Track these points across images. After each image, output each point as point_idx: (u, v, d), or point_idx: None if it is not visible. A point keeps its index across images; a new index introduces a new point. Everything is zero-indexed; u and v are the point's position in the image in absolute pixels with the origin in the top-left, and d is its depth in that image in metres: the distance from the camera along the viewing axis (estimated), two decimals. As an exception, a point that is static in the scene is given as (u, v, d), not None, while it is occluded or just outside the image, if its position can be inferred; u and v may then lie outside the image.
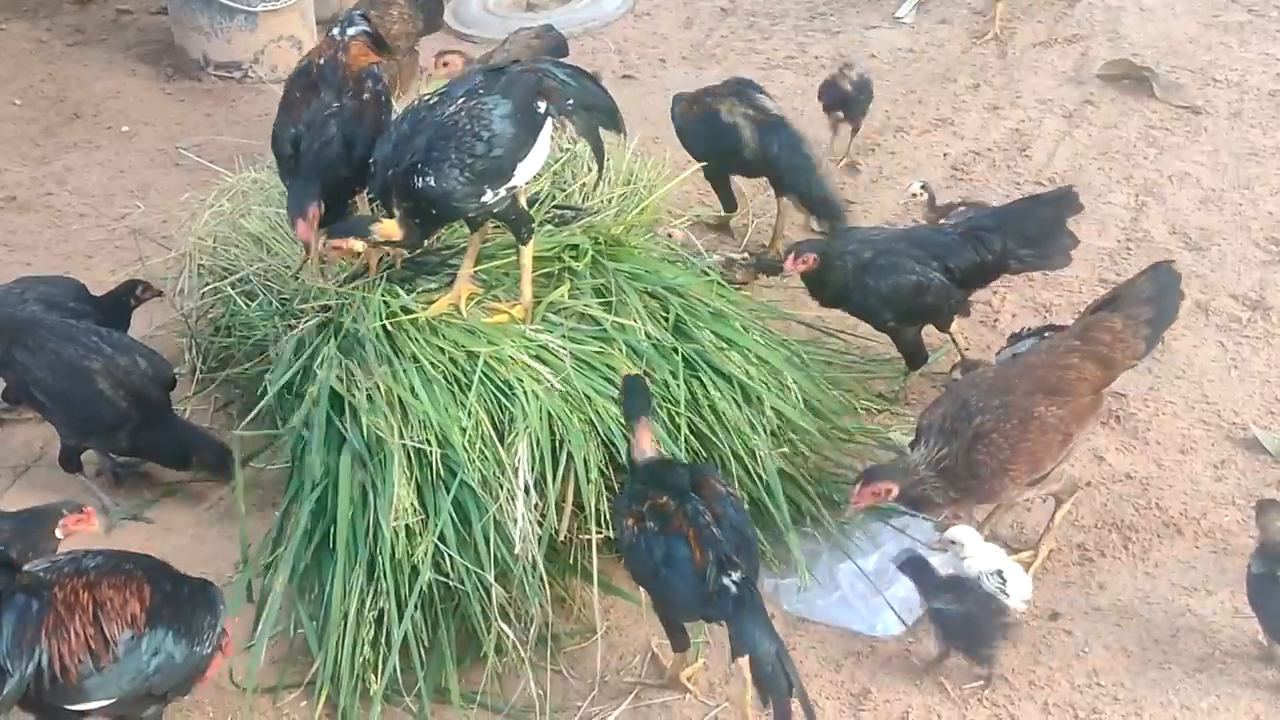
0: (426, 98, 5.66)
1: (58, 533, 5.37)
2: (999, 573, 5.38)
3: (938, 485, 5.44)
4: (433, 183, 5.43)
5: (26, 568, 4.69)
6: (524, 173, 5.63)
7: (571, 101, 5.78)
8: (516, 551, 5.30)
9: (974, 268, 6.43)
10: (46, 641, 4.49)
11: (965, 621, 5.31)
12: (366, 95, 6.00)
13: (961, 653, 5.36)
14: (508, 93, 5.59)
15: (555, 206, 6.32)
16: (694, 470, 5.16)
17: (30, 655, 4.47)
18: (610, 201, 6.43)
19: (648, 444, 5.15)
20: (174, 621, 4.71)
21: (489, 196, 5.55)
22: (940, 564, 5.49)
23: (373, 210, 5.83)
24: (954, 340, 6.67)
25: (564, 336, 5.71)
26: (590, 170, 6.54)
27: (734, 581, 4.76)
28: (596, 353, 5.69)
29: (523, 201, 5.78)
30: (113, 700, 4.64)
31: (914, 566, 5.45)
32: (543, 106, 5.67)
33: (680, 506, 4.92)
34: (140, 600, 4.66)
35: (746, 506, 5.59)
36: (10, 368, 6.14)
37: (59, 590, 4.57)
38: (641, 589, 5.30)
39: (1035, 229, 6.45)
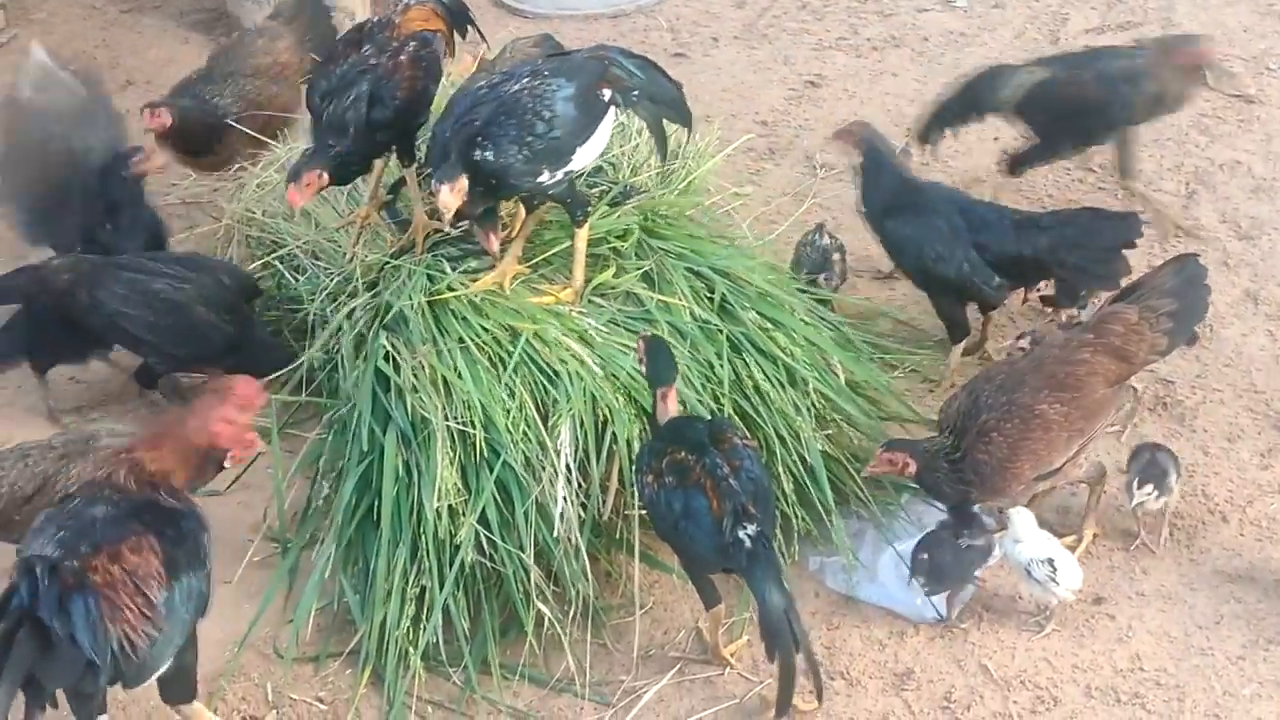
0: (488, 77, 5.67)
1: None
2: (1049, 561, 5.36)
3: (949, 475, 5.48)
4: (491, 156, 5.42)
5: (29, 553, 4.54)
6: (583, 157, 5.63)
7: (637, 92, 5.78)
8: (556, 534, 5.33)
9: (1011, 259, 6.41)
10: (112, 627, 4.43)
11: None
12: (404, 56, 5.92)
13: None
14: (572, 76, 5.59)
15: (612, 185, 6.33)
16: (712, 425, 5.23)
17: (109, 646, 4.41)
18: (659, 179, 6.43)
19: (673, 409, 5.21)
20: (188, 561, 4.63)
21: (545, 177, 5.55)
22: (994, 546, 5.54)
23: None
24: (983, 327, 6.67)
25: (610, 322, 5.72)
26: (639, 148, 6.56)
27: (748, 535, 4.86)
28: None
29: (580, 185, 5.78)
30: (174, 659, 4.65)
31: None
32: (607, 94, 5.66)
33: (698, 460, 5.00)
34: (155, 554, 4.56)
35: (791, 488, 5.64)
36: (98, 311, 6.17)
37: (94, 575, 4.46)
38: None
39: (1090, 241, 6.37)
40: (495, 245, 5.71)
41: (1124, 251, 6.34)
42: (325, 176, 5.81)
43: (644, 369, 5.36)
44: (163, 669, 4.63)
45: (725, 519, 4.89)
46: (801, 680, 4.93)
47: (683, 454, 5.04)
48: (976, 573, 5.50)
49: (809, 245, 6.84)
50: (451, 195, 5.39)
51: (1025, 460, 5.46)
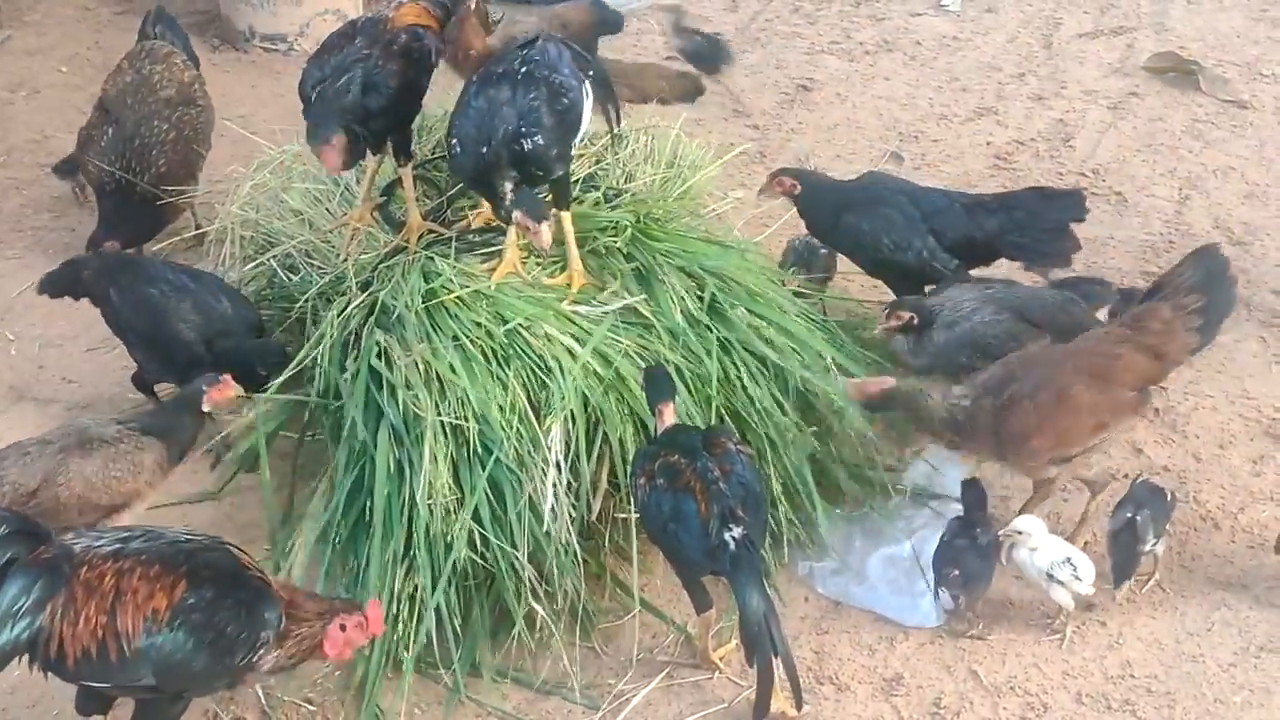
0: (481, 75, 5.68)
1: (205, 408, 5.59)
2: (1068, 560, 5.35)
3: (945, 419, 5.52)
4: (540, 141, 5.46)
5: (68, 539, 4.59)
6: (582, 129, 5.74)
7: (592, 72, 5.88)
8: (547, 529, 5.32)
9: (964, 241, 6.52)
10: (50, 620, 4.39)
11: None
12: (396, 47, 5.94)
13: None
14: (561, 51, 5.68)
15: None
16: (707, 432, 5.25)
17: (23, 626, 4.38)
18: (655, 184, 6.45)
19: (670, 422, 5.25)
20: (202, 628, 4.49)
21: (570, 152, 5.68)
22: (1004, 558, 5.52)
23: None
24: None
25: (601, 319, 5.71)
26: (631, 150, 6.57)
27: (734, 537, 4.87)
28: (638, 338, 5.70)
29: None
30: (107, 686, 4.59)
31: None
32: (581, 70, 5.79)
33: (690, 464, 5.02)
34: (169, 597, 4.48)
35: (779, 490, 5.63)
36: (107, 302, 6.26)
37: (85, 570, 4.46)
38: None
39: (1035, 222, 6.50)
40: (548, 237, 5.54)
41: (1071, 228, 6.47)
42: (344, 135, 5.80)
43: (645, 395, 5.41)
44: (100, 685, 4.59)
45: (712, 521, 4.90)
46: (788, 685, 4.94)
47: (675, 457, 5.06)
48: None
49: (797, 240, 6.93)
50: (548, 230, 5.46)
51: (1048, 435, 5.48)
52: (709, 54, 8.54)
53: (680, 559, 5.15)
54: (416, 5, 6.13)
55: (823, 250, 6.87)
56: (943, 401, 5.53)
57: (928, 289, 6.52)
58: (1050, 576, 5.37)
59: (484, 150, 5.47)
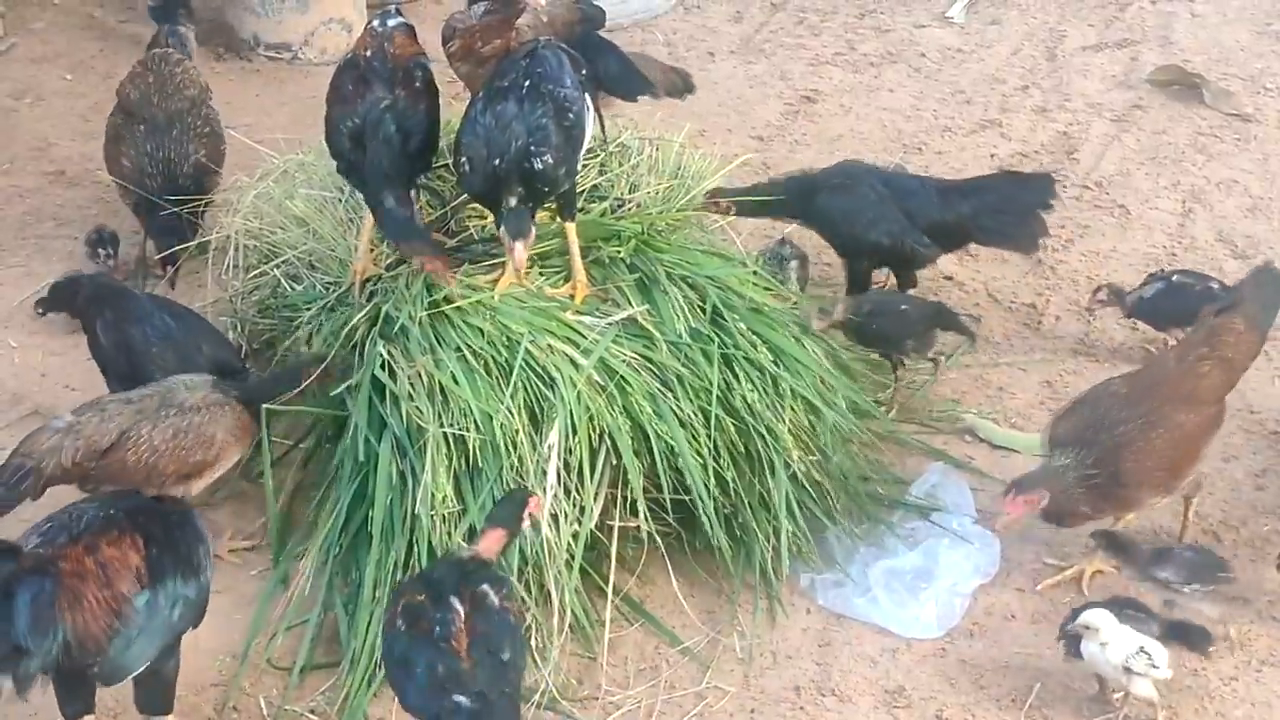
0: (486, 90, 5.68)
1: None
2: (1141, 649, 5.09)
3: (1082, 493, 5.43)
4: (550, 159, 5.49)
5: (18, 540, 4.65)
6: (586, 142, 5.77)
7: (585, 72, 5.91)
8: (544, 535, 5.32)
9: (937, 225, 6.67)
10: (67, 616, 4.44)
11: None
12: (417, 84, 5.95)
13: None
14: (561, 62, 5.69)
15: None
16: (467, 579, 4.67)
17: (52, 634, 4.42)
18: (658, 194, 6.46)
19: (485, 550, 4.83)
20: (176, 566, 4.70)
21: (577, 166, 5.71)
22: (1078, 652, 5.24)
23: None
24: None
25: (605, 330, 5.71)
26: (635, 162, 6.59)
27: (462, 704, 4.41)
28: (643, 348, 5.70)
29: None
30: (150, 662, 4.67)
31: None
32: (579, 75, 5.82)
33: (434, 612, 4.56)
34: (137, 551, 4.62)
35: (781, 503, 5.61)
36: (93, 333, 6.17)
37: (64, 563, 4.51)
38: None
39: (1008, 206, 6.69)
40: (521, 256, 5.55)
41: (1040, 213, 6.66)
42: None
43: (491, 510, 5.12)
44: (138, 670, 4.65)
45: (438, 683, 4.45)
46: (792, 697, 4.91)
47: (422, 599, 4.62)
48: None
49: (769, 253, 6.98)
50: (522, 249, 5.49)
51: (1168, 471, 5.49)
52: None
53: (406, 707, 4.65)
54: (403, 33, 6.09)
55: (793, 262, 6.94)
56: (1070, 472, 5.42)
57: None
58: (1128, 670, 5.10)
59: (494, 169, 5.50)
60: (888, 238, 6.66)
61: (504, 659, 4.53)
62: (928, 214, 6.68)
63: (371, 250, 6.13)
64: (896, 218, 6.67)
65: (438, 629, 4.49)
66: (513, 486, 5.29)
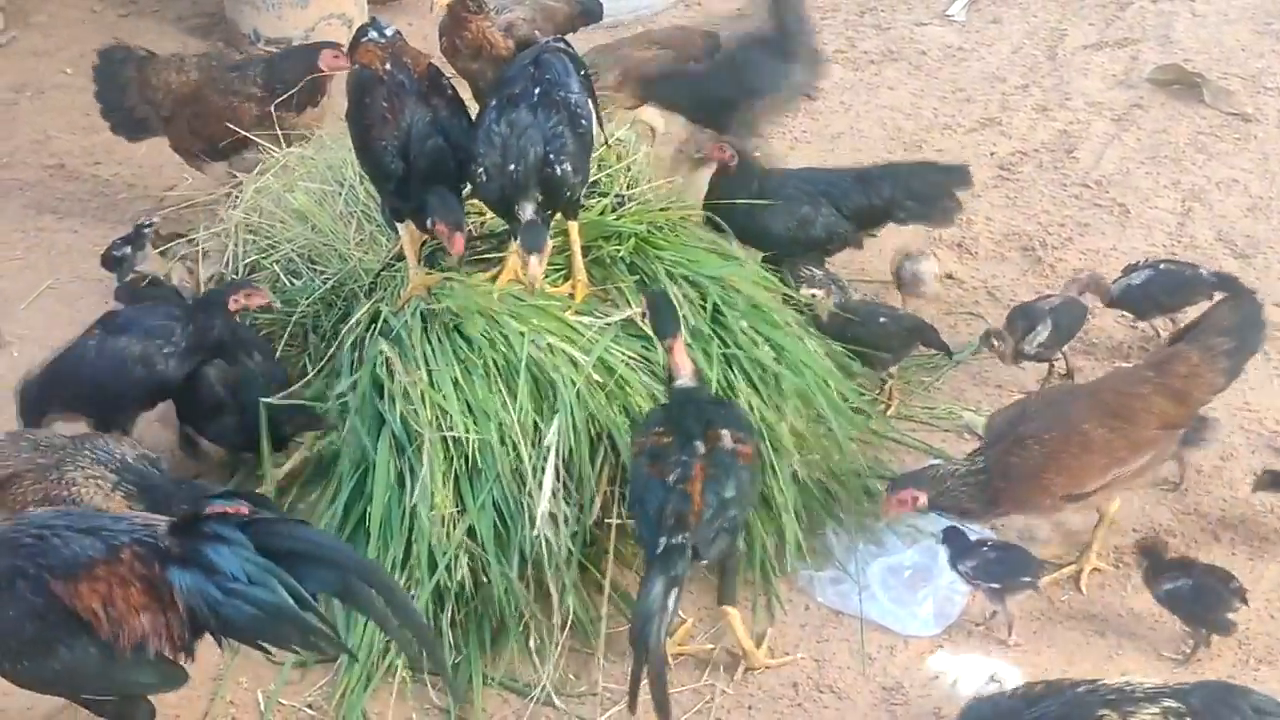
0: (497, 99, 5.67)
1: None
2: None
3: (965, 491, 5.40)
4: (569, 166, 5.53)
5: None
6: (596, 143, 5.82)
7: (584, 72, 5.92)
8: (537, 533, 5.34)
9: (863, 210, 6.83)
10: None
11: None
12: (450, 92, 5.87)
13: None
14: (567, 66, 5.71)
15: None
16: (711, 418, 5.15)
17: None
18: (659, 193, 6.49)
19: (682, 363, 5.23)
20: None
21: (588, 170, 5.76)
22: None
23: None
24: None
25: (604, 329, 5.72)
26: (635, 159, 6.60)
27: (670, 542, 4.85)
28: (642, 347, 5.72)
29: None
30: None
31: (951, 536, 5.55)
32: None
33: (677, 454, 5.01)
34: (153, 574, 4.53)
35: (778, 500, 5.62)
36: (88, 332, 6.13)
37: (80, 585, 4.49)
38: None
39: (922, 187, 6.89)
40: (537, 272, 5.54)
41: (956, 194, 6.92)
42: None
43: (651, 325, 5.46)
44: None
45: (664, 520, 4.89)
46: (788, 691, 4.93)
47: (666, 438, 5.07)
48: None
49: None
50: (537, 264, 5.50)
51: (1056, 474, 5.39)
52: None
53: (637, 537, 5.22)
54: (403, 40, 5.97)
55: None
56: (951, 474, 5.44)
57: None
58: None
59: (511, 178, 5.51)
60: (823, 231, 6.79)
61: (726, 498, 4.97)
62: (851, 201, 6.83)
63: (419, 262, 6.00)
64: (828, 211, 6.80)
65: (685, 472, 4.95)
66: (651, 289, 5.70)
